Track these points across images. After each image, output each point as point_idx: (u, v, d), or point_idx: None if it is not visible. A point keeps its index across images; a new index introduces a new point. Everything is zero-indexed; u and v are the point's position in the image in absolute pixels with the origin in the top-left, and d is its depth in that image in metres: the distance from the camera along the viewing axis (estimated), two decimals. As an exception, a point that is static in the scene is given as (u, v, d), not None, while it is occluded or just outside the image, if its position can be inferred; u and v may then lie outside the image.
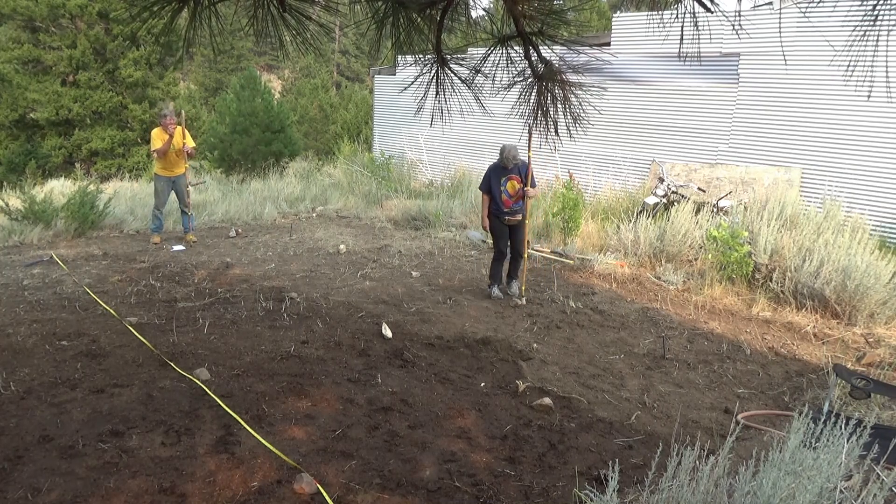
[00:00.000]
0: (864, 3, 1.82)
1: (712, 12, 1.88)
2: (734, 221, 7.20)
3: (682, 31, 1.93)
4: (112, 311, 5.34)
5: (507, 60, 2.18)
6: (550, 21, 2.08)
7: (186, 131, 8.15)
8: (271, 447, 3.26)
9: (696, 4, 1.87)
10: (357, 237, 8.91)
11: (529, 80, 2.22)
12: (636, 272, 7.35)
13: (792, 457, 2.28)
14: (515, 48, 2.18)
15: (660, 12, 1.99)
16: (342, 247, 8.10)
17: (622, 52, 10.00)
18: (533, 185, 6.28)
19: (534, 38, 2.11)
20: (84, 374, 4.09)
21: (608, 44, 10.15)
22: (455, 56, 2.30)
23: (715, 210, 8.01)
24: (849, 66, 1.86)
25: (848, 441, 2.39)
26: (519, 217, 6.28)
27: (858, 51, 1.82)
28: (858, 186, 8.22)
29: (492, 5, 2.36)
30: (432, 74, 2.28)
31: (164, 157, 7.92)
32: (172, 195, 8.35)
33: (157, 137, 7.89)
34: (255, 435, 3.37)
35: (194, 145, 8.30)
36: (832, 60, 7.57)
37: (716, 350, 5.28)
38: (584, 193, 9.87)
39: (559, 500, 3.01)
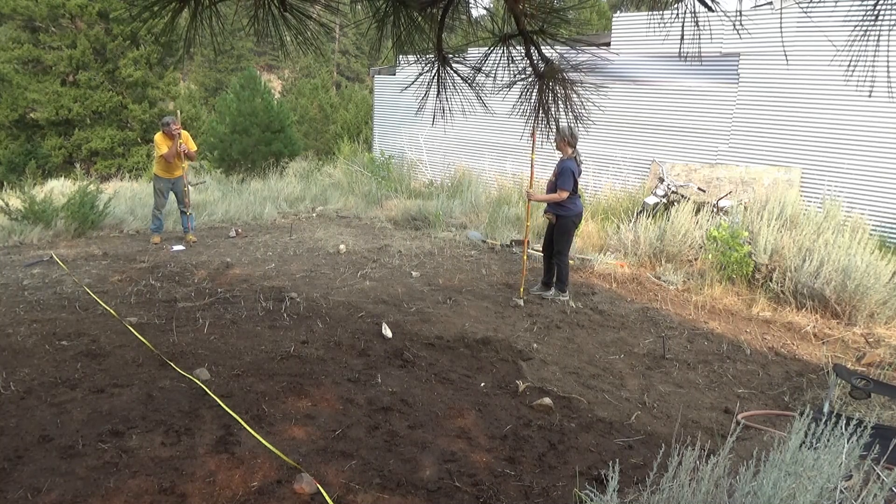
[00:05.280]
0: (865, 1, 1.82)
1: (714, 11, 1.88)
2: (734, 221, 7.20)
3: (682, 30, 1.93)
4: (112, 311, 5.33)
5: (508, 59, 2.18)
6: (551, 20, 2.08)
7: (188, 135, 8.17)
8: (271, 447, 3.25)
9: (697, 3, 1.87)
10: (357, 237, 8.90)
11: (531, 78, 2.22)
12: (636, 272, 7.35)
13: (792, 457, 2.28)
14: (516, 47, 2.18)
15: (660, 12, 1.99)
16: (342, 247, 8.10)
17: (622, 51, 10.01)
18: (566, 186, 5.93)
19: (535, 37, 2.11)
20: (84, 374, 4.09)
21: (608, 44, 10.15)
22: (456, 55, 2.30)
23: (715, 210, 8.01)
24: (849, 65, 1.86)
25: (848, 441, 2.38)
26: (551, 215, 6.27)
27: (859, 50, 1.82)
28: (858, 186, 8.22)
29: (492, 4, 2.36)
30: (433, 73, 2.28)
31: (169, 160, 7.96)
32: (172, 195, 8.37)
33: (162, 143, 7.91)
34: (255, 435, 3.36)
35: (195, 148, 8.32)
36: (832, 60, 7.59)
37: (716, 350, 5.28)
38: (583, 193, 9.87)
39: (559, 500, 3.01)
